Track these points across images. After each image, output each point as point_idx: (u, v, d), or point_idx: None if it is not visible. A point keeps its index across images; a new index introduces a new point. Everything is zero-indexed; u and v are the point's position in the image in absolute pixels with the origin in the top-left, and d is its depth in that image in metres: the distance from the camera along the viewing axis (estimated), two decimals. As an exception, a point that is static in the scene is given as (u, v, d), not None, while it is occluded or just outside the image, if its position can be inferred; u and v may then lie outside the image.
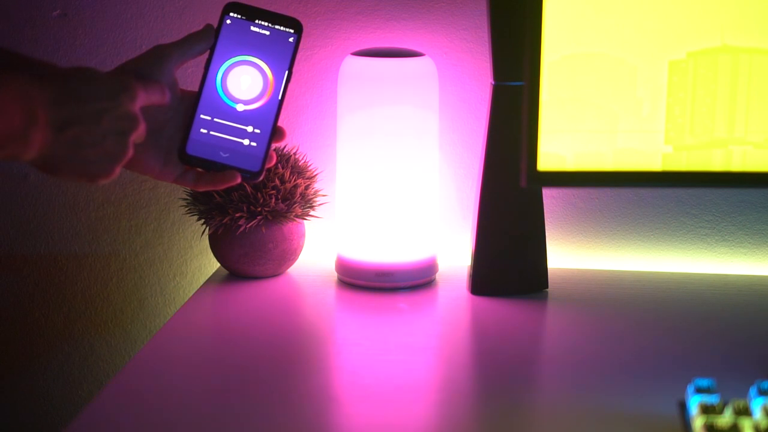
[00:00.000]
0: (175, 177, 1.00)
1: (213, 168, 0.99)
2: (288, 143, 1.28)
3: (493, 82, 1.15)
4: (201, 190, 1.01)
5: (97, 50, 1.32)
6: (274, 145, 1.02)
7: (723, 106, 1.00)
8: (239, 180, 1.00)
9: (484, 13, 1.15)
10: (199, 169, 1.00)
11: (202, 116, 1.00)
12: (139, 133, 0.92)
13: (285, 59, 1.01)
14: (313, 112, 1.32)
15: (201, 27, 1.00)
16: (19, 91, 0.84)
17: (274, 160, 1.02)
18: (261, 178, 1.01)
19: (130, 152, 0.91)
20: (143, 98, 0.92)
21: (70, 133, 0.87)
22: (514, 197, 1.19)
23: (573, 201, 1.32)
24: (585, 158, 1.01)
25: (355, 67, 1.20)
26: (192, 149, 0.99)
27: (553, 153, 1.01)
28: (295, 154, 1.25)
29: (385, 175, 1.20)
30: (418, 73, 1.19)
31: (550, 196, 1.30)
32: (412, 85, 1.19)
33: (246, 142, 1.00)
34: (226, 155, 1.00)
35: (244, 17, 1.01)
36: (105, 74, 0.90)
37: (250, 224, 1.20)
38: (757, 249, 1.31)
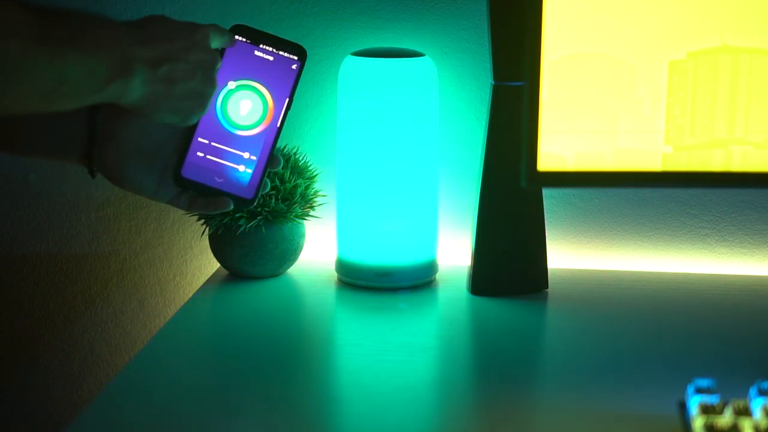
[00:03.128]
0: (169, 199, 1.01)
1: (207, 192, 1.00)
2: (288, 144, 1.29)
3: (493, 82, 1.15)
4: (194, 212, 1.03)
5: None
6: (269, 171, 1.03)
7: (723, 106, 1.00)
8: (231, 207, 1.01)
9: (484, 13, 1.15)
10: (193, 193, 1.00)
11: (199, 139, 1.00)
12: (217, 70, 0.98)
13: (286, 86, 1.01)
14: (313, 112, 1.32)
15: None
16: (112, 32, 0.88)
17: (268, 188, 1.03)
18: (254, 205, 1.02)
19: (216, 86, 0.97)
20: (212, 36, 0.97)
21: (164, 69, 0.92)
22: (514, 197, 1.19)
23: (573, 201, 1.32)
24: (585, 158, 1.01)
25: (355, 67, 1.20)
26: (187, 172, 0.99)
27: (553, 153, 1.01)
28: (295, 154, 1.24)
29: (385, 175, 1.20)
30: (418, 73, 1.19)
31: (550, 196, 1.30)
32: (412, 85, 1.19)
33: (241, 168, 1.00)
34: (221, 180, 1.00)
35: (248, 41, 1.01)
36: (176, 20, 0.95)
37: (250, 224, 1.20)
38: (757, 249, 1.31)
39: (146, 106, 0.93)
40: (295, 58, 1.01)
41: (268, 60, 1.01)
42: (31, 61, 0.82)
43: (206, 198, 1.01)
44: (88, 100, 0.89)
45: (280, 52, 1.01)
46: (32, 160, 1.33)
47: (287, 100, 1.01)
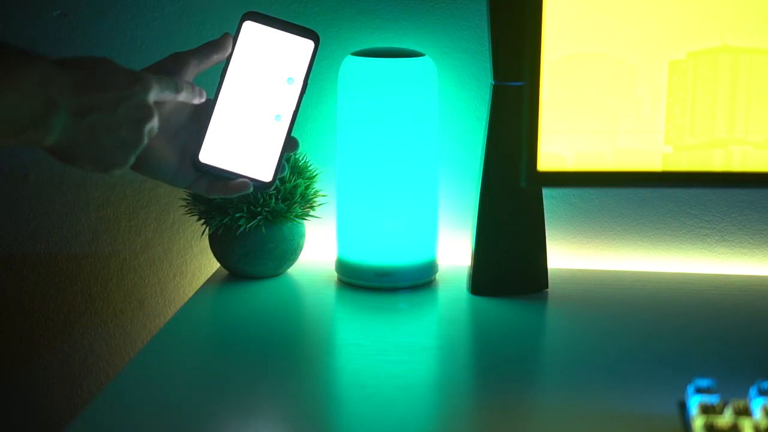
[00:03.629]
0: (188, 184, 1.01)
1: (225, 176, 1.00)
2: (288, 143, 1.28)
3: (493, 82, 1.15)
4: (212, 197, 1.02)
5: (97, 50, 1.32)
6: (286, 155, 1.03)
7: (723, 106, 1.00)
8: (251, 189, 1.01)
9: (484, 13, 1.15)
10: (211, 177, 1.01)
11: (216, 124, 1.00)
12: (153, 125, 0.93)
13: (301, 71, 1.02)
14: (313, 112, 1.32)
15: (219, 36, 1.01)
16: (41, 75, 0.85)
17: (286, 171, 1.03)
18: (272, 188, 1.02)
19: (144, 141, 0.93)
20: (156, 90, 0.93)
21: (89, 119, 0.88)
22: (514, 197, 1.19)
23: (573, 201, 1.32)
24: (585, 158, 1.01)
25: (355, 67, 1.20)
26: (205, 157, 1.00)
27: (553, 153, 1.01)
28: (295, 154, 1.24)
29: (385, 175, 1.20)
30: (418, 73, 1.19)
31: (550, 196, 1.30)
32: (412, 85, 1.19)
33: (259, 151, 1.01)
34: (239, 164, 1.01)
35: (262, 24, 1.01)
36: (119, 65, 0.92)
37: (250, 224, 1.20)
38: (757, 249, 1.31)
39: (64, 152, 0.89)
40: (309, 42, 1.02)
41: (285, 46, 1.01)
42: None
43: (225, 182, 1.01)
44: (2, 142, 0.85)
45: (295, 37, 1.02)
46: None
47: (302, 84, 1.01)
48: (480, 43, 1.28)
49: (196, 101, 0.99)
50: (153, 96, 0.93)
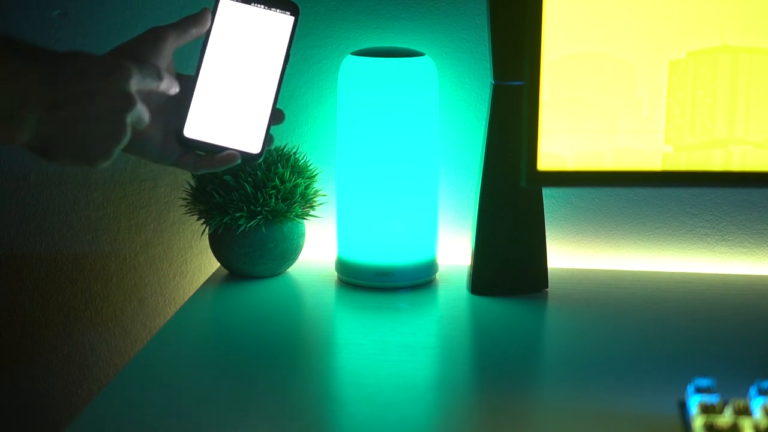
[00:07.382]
0: (174, 160, 0.99)
1: (212, 150, 0.99)
2: (288, 143, 1.29)
3: (493, 82, 1.15)
4: (200, 172, 1.01)
5: (97, 50, 1.32)
6: (273, 127, 1.03)
7: (723, 106, 1.00)
8: (239, 160, 1.00)
9: (484, 13, 1.15)
10: (199, 152, 1.00)
11: (199, 99, 1.00)
12: (136, 115, 0.91)
13: (284, 42, 1.02)
14: (313, 112, 1.32)
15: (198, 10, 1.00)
16: (12, 72, 0.84)
17: (273, 144, 1.02)
18: (260, 160, 1.01)
19: (127, 132, 0.90)
20: (138, 78, 0.91)
21: (64, 112, 0.86)
22: (514, 197, 1.19)
23: (573, 201, 1.32)
24: (585, 158, 1.01)
25: (355, 67, 1.20)
26: (190, 132, 0.99)
27: (553, 153, 1.01)
28: (295, 153, 1.24)
29: (385, 174, 1.20)
30: (418, 73, 1.19)
31: (550, 196, 1.30)
32: (412, 85, 1.19)
33: (245, 124, 1.00)
34: (225, 137, 1.00)
35: (240, 0, 1.01)
36: (98, 55, 0.90)
37: (250, 224, 1.20)
38: (757, 249, 1.31)
39: (41, 148, 0.87)
40: (289, 13, 1.01)
41: (265, 18, 1.01)
42: None
43: (212, 156, 1.00)
44: None
45: (275, 9, 1.01)
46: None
47: (285, 55, 1.01)
48: (480, 43, 1.28)
49: (173, 92, 0.97)
50: (134, 84, 0.90)
